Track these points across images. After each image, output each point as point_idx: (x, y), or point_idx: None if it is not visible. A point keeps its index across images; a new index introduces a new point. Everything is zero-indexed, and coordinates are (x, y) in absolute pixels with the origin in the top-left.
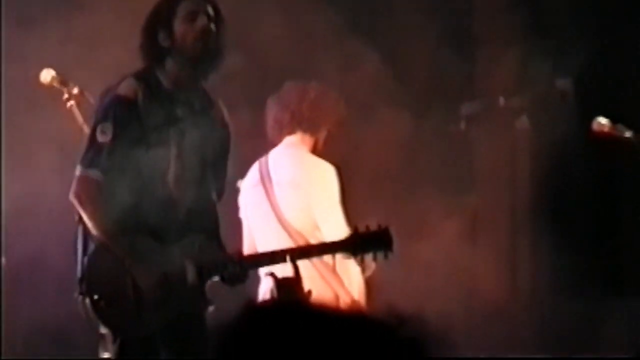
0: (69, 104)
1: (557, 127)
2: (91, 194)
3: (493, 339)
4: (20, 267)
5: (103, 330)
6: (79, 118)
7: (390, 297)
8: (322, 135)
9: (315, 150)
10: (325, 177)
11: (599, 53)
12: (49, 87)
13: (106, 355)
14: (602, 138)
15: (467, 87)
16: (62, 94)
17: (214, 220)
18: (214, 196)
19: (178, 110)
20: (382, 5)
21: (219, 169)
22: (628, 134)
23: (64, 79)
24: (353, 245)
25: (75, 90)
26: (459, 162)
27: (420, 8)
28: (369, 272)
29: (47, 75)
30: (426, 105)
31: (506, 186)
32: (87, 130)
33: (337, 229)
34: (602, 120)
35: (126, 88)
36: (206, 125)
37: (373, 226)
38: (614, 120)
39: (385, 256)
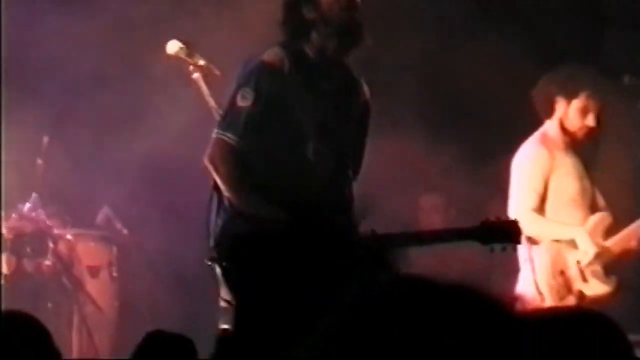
0: (194, 75)
1: None
2: (226, 157)
3: None
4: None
5: (228, 298)
6: (204, 89)
7: None
8: None
9: None
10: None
11: None
12: (175, 58)
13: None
14: None
15: (593, 64)
16: (188, 65)
17: (349, 197)
18: (350, 174)
19: (322, 83)
20: None
21: (358, 148)
22: None
23: (190, 51)
24: (484, 234)
25: (202, 62)
26: None
27: None
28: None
29: (174, 46)
30: None
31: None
32: (212, 102)
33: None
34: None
35: (272, 55)
36: (348, 102)
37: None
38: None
39: (514, 248)
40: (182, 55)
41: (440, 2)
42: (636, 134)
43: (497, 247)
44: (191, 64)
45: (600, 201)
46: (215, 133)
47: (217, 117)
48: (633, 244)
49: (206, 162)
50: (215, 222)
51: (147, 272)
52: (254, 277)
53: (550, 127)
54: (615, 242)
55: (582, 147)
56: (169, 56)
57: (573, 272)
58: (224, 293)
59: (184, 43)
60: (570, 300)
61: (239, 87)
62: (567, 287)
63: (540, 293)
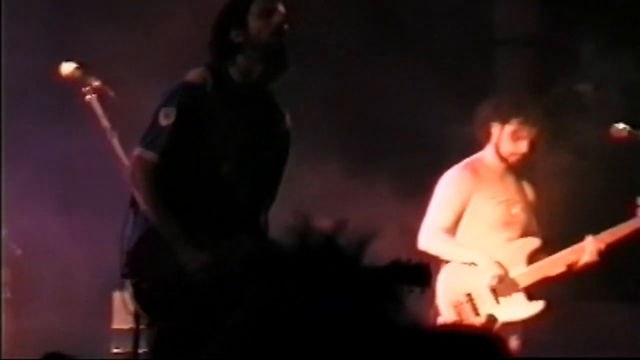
0: (87, 97)
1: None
2: (146, 174)
3: None
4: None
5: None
6: (98, 111)
7: None
8: None
9: None
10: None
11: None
12: (70, 79)
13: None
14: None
15: (487, 87)
16: (82, 86)
17: (263, 223)
18: (266, 202)
19: (244, 107)
20: None
21: (274, 176)
22: None
23: (85, 72)
24: (392, 275)
25: (96, 83)
26: None
27: None
28: None
29: (68, 67)
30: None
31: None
32: (105, 123)
33: None
34: (620, 126)
35: (196, 75)
36: (269, 129)
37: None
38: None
39: (422, 291)
40: (77, 76)
41: (356, 33)
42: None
43: (405, 289)
44: (85, 85)
45: (534, 227)
46: (136, 150)
47: (110, 139)
48: (560, 268)
49: (127, 178)
50: (130, 238)
51: (43, 293)
52: (167, 293)
53: (486, 152)
54: (539, 267)
55: (521, 172)
56: (64, 77)
57: (482, 295)
58: (123, 316)
59: (79, 64)
60: (476, 324)
61: (162, 105)
62: (474, 310)
63: (438, 313)
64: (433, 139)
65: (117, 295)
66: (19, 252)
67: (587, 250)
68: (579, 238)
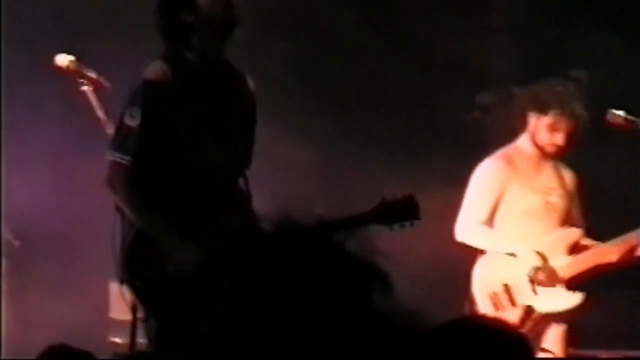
0: (83, 87)
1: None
2: (122, 179)
3: None
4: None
5: (144, 315)
6: (94, 102)
7: None
8: None
9: None
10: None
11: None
12: (65, 71)
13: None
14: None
15: (481, 77)
16: (78, 78)
17: (248, 194)
18: (245, 171)
19: (206, 85)
20: None
21: (248, 140)
22: None
23: (80, 64)
24: (381, 216)
25: (92, 75)
26: (473, 152)
27: None
28: None
29: (63, 59)
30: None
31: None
32: (102, 114)
33: None
34: (616, 112)
35: (154, 71)
36: (235, 95)
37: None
38: (629, 112)
39: (412, 224)
40: (72, 68)
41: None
42: None
43: (396, 226)
44: (81, 76)
45: (576, 216)
46: (108, 155)
47: (108, 130)
48: (611, 258)
49: (105, 184)
50: (122, 243)
51: (41, 285)
52: (168, 295)
53: (522, 141)
54: (585, 257)
55: (561, 160)
56: (59, 69)
57: (519, 286)
58: (121, 307)
59: (74, 56)
60: (513, 314)
61: (126, 107)
62: (510, 300)
63: (474, 303)
64: (434, 126)
65: (114, 286)
66: (17, 243)
67: None
68: (625, 228)
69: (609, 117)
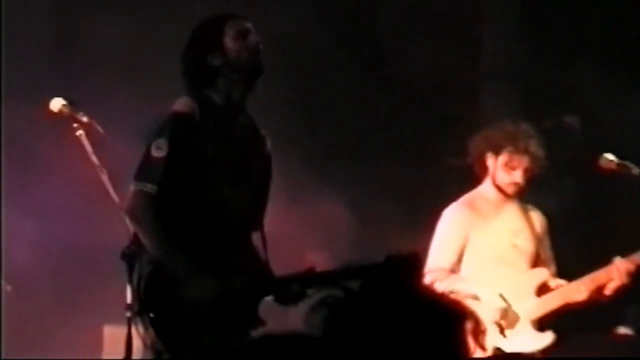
0: (78, 132)
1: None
2: (146, 207)
3: None
4: None
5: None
6: (88, 147)
7: None
8: None
9: None
10: None
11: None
12: (59, 116)
13: None
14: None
15: (472, 121)
16: (71, 122)
17: (262, 240)
18: (259, 219)
19: (230, 128)
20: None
21: (263, 194)
22: (636, 170)
23: (73, 108)
24: (388, 270)
25: (85, 119)
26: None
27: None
28: None
29: (57, 103)
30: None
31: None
32: (95, 159)
33: None
34: (609, 157)
35: (182, 104)
36: (255, 148)
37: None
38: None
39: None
40: (66, 112)
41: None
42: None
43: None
44: (74, 121)
45: (545, 258)
46: (132, 185)
47: (101, 175)
48: (579, 297)
49: (124, 214)
50: (139, 274)
51: (34, 328)
52: (183, 326)
53: (485, 185)
54: (554, 296)
55: (523, 202)
56: (53, 113)
57: (487, 329)
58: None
59: (67, 100)
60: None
61: (153, 138)
62: (479, 344)
63: None
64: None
65: (107, 330)
66: (9, 288)
67: (618, 272)
68: (596, 263)
69: (602, 162)
